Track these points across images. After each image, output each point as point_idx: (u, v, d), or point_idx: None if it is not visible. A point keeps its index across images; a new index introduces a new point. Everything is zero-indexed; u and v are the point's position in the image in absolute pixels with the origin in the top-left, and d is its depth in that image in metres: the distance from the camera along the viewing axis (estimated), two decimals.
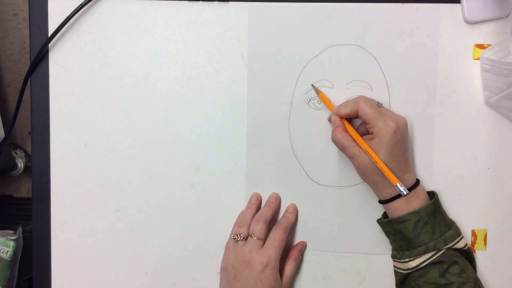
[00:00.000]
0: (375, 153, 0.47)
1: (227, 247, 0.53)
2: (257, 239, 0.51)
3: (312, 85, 0.54)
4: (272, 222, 0.53)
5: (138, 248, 0.57)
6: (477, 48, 0.53)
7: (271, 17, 0.54)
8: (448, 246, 0.47)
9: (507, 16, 0.52)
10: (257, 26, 0.54)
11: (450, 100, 0.54)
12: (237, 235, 0.51)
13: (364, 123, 0.50)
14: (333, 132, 0.50)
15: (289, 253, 0.54)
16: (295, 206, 0.56)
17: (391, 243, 0.52)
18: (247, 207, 0.55)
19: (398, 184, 0.46)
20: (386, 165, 0.46)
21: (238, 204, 0.56)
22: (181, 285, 0.57)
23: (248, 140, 0.56)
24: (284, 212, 0.55)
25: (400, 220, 0.48)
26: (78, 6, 0.54)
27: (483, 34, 0.53)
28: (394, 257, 0.51)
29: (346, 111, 0.49)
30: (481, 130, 0.54)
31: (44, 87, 0.57)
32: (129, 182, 0.57)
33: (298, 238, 0.56)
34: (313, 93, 0.54)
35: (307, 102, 0.54)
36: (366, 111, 0.48)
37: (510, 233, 0.54)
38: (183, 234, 0.57)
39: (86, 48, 0.56)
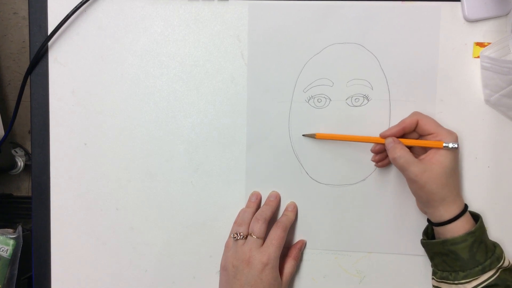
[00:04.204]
0: (441, 163, 0.46)
1: (226, 246, 0.53)
2: (257, 238, 0.50)
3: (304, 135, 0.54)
4: (271, 220, 0.53)
5: (138, 247, 0.57)
6: (477, 46, 0.53)
7: (271, 16, 0.54)
8: (500, 264, 0.46)
9: (507, 14, 0.52)
10: (257, 25, 0.54)
11: (450, 99, 0.53)
12: (236, 234, 0.51)
13: (422, 135, 0.49)
14: (393, 149, 0.47)
15: (289, 251, 0.54)
16: (295, 204, 0.56)
17: (436, 264, 0.50)
18: (246, 206, 0.55)
19: (445, 143, 0.46)
20: (450, 178, 0.46)
21: (238, 203, 0.56)
22: (181, 284, 0.57)
23: (248, 139, 0.55)
24: (284, 211, 0.55)
25: (456, 241, 0.46)
26: (78, 4, 0.54)
27: (483, 32, 0.53)
28: (444, 278, 0.48)
29: (406, 123, 0.48)
30: (481, 128, 0.53)
31: (43, 85, 0.57)
32: (128, 180, 0.57)
33: (298, 236, 0.56)
34: (313, 92, 0.54)
35: (307, 101, 0.54)
36: (429, 120, 0.48)
37: (510, 231, 0.54)
38: (183, 233, 0.57)
39: (85, 46, 0.56)
